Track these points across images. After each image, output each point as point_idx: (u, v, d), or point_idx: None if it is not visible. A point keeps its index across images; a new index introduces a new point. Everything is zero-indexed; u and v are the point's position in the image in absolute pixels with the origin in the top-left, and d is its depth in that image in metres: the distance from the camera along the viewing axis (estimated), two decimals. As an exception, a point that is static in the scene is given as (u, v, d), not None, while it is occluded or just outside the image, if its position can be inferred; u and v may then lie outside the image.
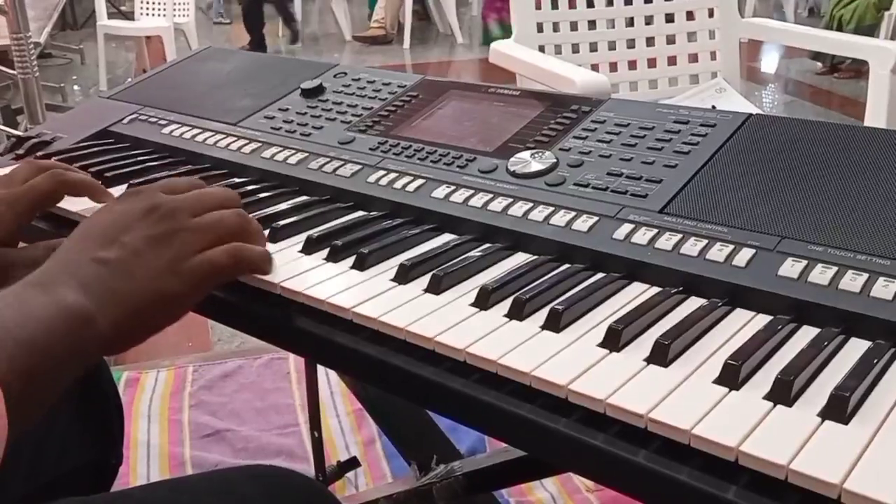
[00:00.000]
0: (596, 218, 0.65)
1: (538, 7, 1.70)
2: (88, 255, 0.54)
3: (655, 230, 0.63)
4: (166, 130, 0.95)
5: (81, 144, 0.95)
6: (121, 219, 0.57)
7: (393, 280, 0.62)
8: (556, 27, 1.73)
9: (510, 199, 0.70)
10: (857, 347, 0.51)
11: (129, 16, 6.05)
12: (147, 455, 1.61)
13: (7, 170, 0.76)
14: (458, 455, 1.26)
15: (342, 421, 1.71)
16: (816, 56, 5.22)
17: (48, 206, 0.74)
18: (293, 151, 0.85)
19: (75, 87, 5.30)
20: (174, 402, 1.77)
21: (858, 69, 5.05)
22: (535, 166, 0.73)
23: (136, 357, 1.96)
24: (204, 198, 0.60)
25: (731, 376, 0.47)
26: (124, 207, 0.57)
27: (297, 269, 0.63)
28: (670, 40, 1.79)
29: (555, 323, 0.54)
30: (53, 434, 0.77)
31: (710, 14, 1.79)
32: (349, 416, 1.72)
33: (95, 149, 0.93)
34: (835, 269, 0.55)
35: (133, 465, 1.57)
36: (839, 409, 0.44)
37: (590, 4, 1.75)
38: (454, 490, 1.15)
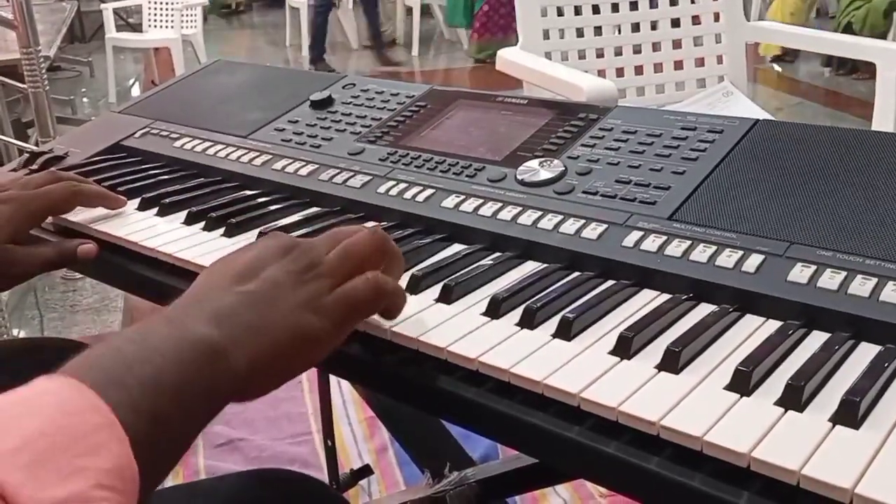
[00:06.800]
0: (605, 225, 0.66)
1: (544, 14, 1.71)
2: (223, 289, 0.50)
3: (664, 237, 0.63)
4: (178, 144, 0.96)
5: (94, 159, 0.96)
6: (259, 255, 0.53)
7: (405, 290, 0.62)
8: (562, 34, 1.73)
9: (519, 208, 0.70)
10: (867, 352, 0.51)
11: (137, 28, 6.10)
12: (161, 465, 1.61)
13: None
14: (471, 462, 1.26)
15: (355, 429, 1.71)
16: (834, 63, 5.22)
17: (59, 213, 0.78)
18: (304, 163, 0.86)
19: (84, 100, 5.34)
20: (187, 412, 1.78)
21: (855, 67, 5.05)
22: (544, 175, 0.74)
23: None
24: (337, 234, 0.57)
25: (742, 382, 0.48)
26: (262, 246, 0.54)
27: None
28: (676, 45, 1.79)
29: (566, 331, 0.55)
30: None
31: (716, 18, 1.79)
32: (361, 423, 1.72)
33: (108, 163, 0.94)
34: (844, 273, 0.55)
35: (147, 475, 1.58)
36: (850, 413, 0.44)
37: (595, 11, 1.75)
38: (467, 497, 1.15)
